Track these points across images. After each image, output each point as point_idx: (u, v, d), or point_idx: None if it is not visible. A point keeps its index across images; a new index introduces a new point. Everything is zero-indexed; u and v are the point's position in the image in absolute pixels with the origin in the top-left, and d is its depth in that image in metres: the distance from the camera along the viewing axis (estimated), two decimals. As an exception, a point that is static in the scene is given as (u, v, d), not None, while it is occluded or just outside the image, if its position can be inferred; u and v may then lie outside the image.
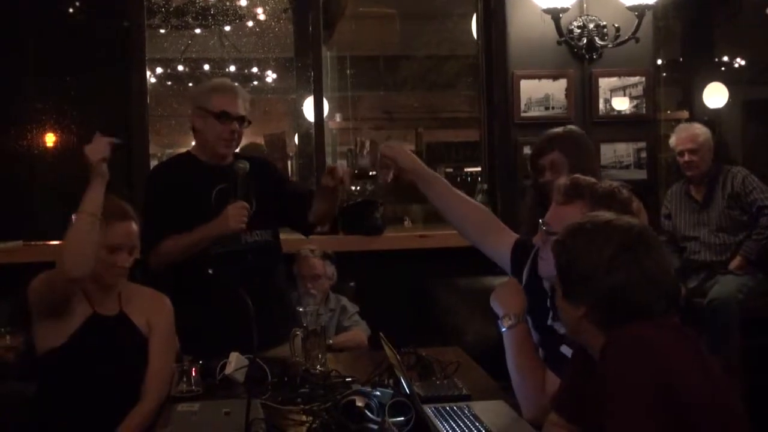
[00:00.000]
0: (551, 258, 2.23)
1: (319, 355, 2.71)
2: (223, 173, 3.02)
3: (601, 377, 1.68)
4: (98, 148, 2.62)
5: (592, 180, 2.27)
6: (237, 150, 3.15)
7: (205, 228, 2.92)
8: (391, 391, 2.17)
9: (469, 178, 8.21)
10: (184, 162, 3.16)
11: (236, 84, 3.19)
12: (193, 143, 3.23)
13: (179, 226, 2.92)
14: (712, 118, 7.46)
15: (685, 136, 4.42)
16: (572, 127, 3.40)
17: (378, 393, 2.13)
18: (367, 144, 2.62)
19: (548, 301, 2.31)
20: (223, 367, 2.58)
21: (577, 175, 2.30)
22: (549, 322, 2.29)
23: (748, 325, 4.32)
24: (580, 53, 4.72)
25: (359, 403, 2.07)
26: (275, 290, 3.15)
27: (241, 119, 3.03)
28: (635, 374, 1.62)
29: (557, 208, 2.27)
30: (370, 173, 2.58)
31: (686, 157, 4.38)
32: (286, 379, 2.55)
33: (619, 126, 4.80)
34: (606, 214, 1.88)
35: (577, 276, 1.81)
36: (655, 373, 1.61)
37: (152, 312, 2.68)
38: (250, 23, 7.29)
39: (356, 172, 2.64)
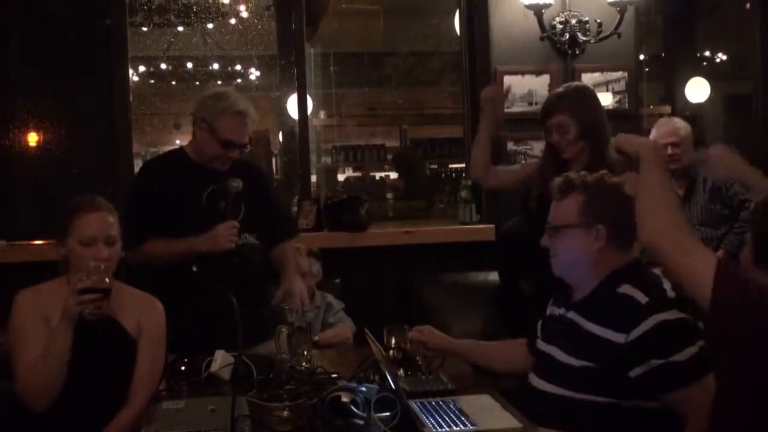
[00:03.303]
0: (561, 255, 2.29)
1: (305, 352, 2.72)
2: (215, 176, 3.00)
3: None
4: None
5: (583, 173, 2.38)
6: None
7: (192, 242, 2.91)
8: (377, 387, 2.17)
9: (453, 174, 8.23)
10: (176, 160, 3.12)
11: (248, 107, 3.03)
12: (177, 141, 3.21)
13: (165, 225, 2.91)
14: (694, 113, 7.50)
15: (667, 130, 4.44)
16: (575, 84, 3.50)
17: (363, 388, 2.14)
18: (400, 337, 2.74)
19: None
20: (209, 364, 2.58)
21: (568, 173, 2.41)
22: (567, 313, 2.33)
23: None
24: (562, 49, 4.73)
25: (345, 399, 2.07)
26: (260, 288, 3.14)
27: (244, 145, 3.01)
28: None
29: (556, 205, 2.37)
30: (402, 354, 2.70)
31: (669, 150, 4.39)
32: (271, 375, 2.55)
33: (602, 121, 4.81)
34: None
35: None
36: None
37: (143, 315, 2.66)
38: (233, 21, 7.28)
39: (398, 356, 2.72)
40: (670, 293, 2.37)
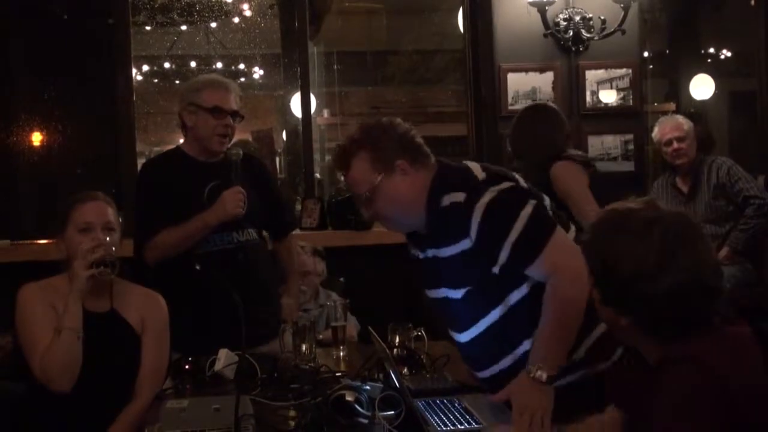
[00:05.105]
0: (389, 214, 2.26)
1: (309, 351, 2.72)
2: (215, 170, 3.00)
3: (656, 394, 1.54)
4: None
5: (348, 137, 2.28)
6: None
7: (203, 216, 2.91)
8: (381, 386, 2.17)
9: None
10: (175, 158, 3.13)
11: (227, 79, 3.16)
12: (181, 140, 3.21)
13: (172, 222, 2.91)
14: (698, 110, 7.49)
15: (670, 125, 4.44)
16: (524, 108, 3.65)
17: (368, 387, 2.13)
18: None
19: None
20: (213, 363, 2.57)
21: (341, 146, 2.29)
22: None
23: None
24: (566, 46, 4.72)
25: (349, 398, 2.06)
26: (264, 288, 3.14)
27: (234, 114, 3.02)
28: (696, 407, 1.48)
29: (349, 177, 2.26)
30: None
31: (674, 145, 4.39)
32: (275, 374, 2.55)
33: (607, 118, 4.81)
34: (631, 204, 1.64)
35: (619, 281, 1.57)
36: (716, 402, 1.47)
37: (146, 310, 2.65)
38: (236, 19, 7.27)
39: None
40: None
